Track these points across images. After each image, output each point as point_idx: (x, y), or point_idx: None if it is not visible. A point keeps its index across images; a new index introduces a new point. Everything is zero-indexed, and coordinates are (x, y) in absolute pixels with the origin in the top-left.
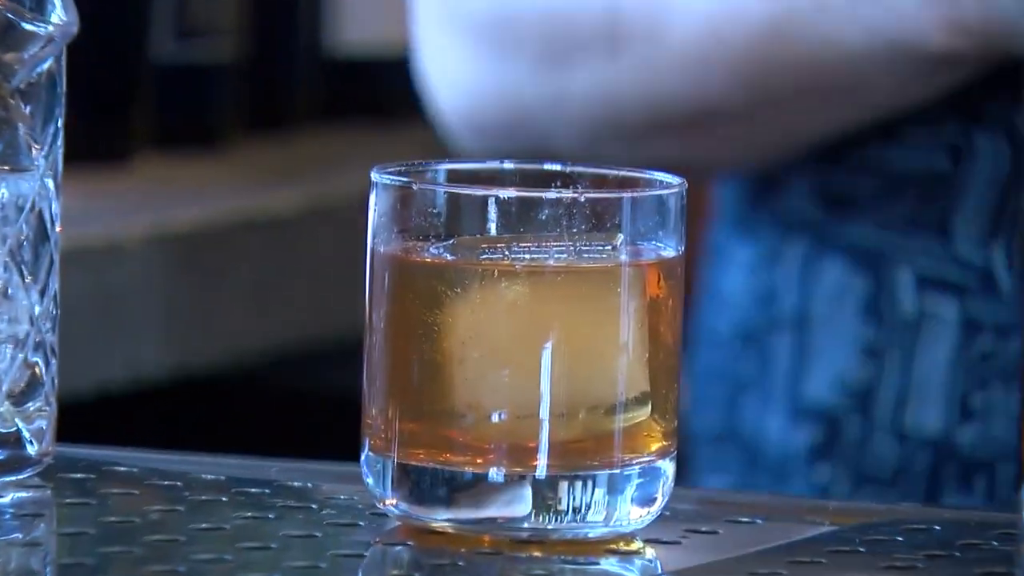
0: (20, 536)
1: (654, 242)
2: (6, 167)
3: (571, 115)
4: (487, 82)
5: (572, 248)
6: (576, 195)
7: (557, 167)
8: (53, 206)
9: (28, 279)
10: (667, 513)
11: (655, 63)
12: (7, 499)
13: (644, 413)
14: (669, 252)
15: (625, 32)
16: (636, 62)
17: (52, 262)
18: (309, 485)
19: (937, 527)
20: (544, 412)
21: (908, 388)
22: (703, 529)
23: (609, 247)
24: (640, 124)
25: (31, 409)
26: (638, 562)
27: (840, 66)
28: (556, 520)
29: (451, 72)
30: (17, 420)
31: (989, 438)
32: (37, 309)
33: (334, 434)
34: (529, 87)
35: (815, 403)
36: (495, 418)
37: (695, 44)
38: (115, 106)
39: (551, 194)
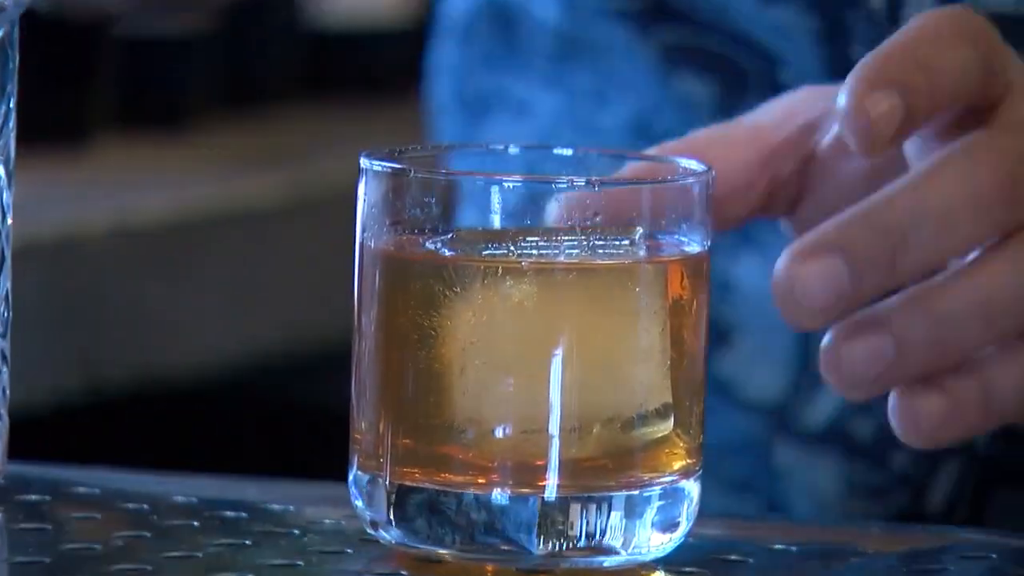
0: None
1: (677, 236)
2: None
3: None
4: None
5: (585, 243)
6: (590, 183)
7: (568, 151)
8: (4, 195)
9: None
10: (691, 539)
11: None
12: None
13: (666, 428)
14: (693, 247)
15: None
16: None
17: (3, 258)
18: (291, 508)
19: (994, 555)
20: (554, 427)
21: None
22: (732, 558)
23: (627, 242)
24: None
25: None
26: None
27: None
28: (567, 547)
29: None
30: None
31: None
32: None
33: (319, 451)
34: None
35: None
36: (499, 433)
37: None
38: (73, 82)
39: (562, 182)
